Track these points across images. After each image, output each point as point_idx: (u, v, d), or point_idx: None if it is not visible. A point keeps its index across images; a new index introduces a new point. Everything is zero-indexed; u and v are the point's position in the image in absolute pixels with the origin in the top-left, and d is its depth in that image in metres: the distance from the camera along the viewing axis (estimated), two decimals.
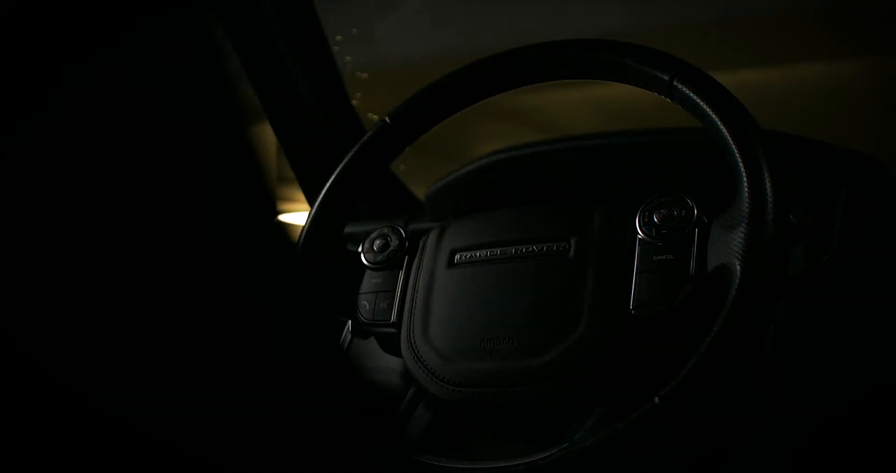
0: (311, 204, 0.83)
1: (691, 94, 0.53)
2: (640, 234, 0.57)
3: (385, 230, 0.69)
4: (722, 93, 0.54)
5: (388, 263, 0.67)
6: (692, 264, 0.54)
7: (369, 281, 0.68)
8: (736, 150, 0.51)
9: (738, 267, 0.50)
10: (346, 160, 0.66)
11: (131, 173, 0.27)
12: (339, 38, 1.17)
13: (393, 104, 0.66)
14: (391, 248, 0.67)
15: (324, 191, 0.67)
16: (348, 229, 0.73)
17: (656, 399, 0.49)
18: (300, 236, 0.66)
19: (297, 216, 1.15)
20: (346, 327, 0.73)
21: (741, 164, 0.51)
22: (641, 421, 0.49)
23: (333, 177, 0.67)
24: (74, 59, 0.27)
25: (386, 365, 0.68)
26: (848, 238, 0.61)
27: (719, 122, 0.52)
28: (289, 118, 0.97)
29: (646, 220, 0.57)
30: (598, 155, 0.75)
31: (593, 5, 1.76)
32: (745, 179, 0.51)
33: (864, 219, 0.67)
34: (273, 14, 0.92)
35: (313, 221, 0.66)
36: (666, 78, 0.55)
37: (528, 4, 1.79)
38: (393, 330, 0.65)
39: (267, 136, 0.97)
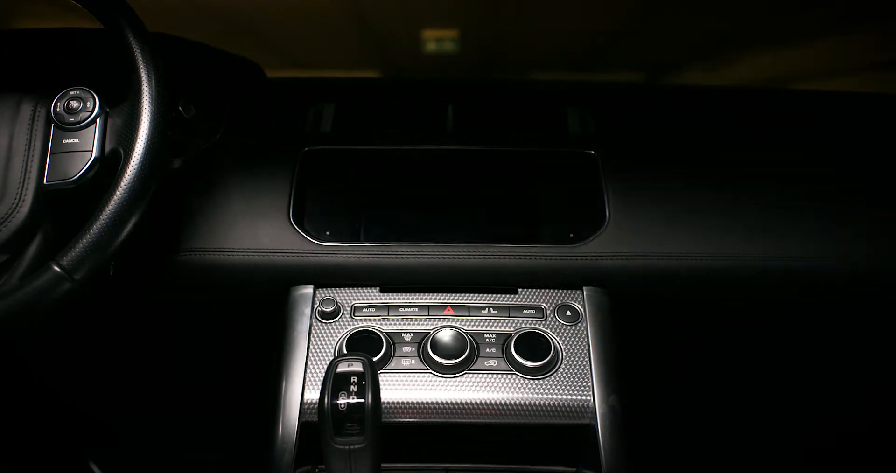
0: None
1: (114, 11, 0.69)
2: (54, 121, 0.72)
3: None
4: (132, 15, 0.69)
5: None
6: (94, 147, 0.69)
7: None
8: (138, 62, 0.67)
9: (123, 153, 0.66)
10: None
11: None
12: None
13: None
14: None
15: None
16: None
17: (53, 265, 0.61)
18: None
19: None
20: None
21: (140, 72, 0.67)
22: (41, 285, 0.60)
23: None
24: None
25: None
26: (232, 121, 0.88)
27: (130, 38, 0.68)
28: None
29: (57, 110, 0.71)
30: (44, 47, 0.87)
31: None
32: (138, 85, 0.67)
33: (246, 108, 0.94)
34: None
35: None
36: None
37: None
38: None
39: None
